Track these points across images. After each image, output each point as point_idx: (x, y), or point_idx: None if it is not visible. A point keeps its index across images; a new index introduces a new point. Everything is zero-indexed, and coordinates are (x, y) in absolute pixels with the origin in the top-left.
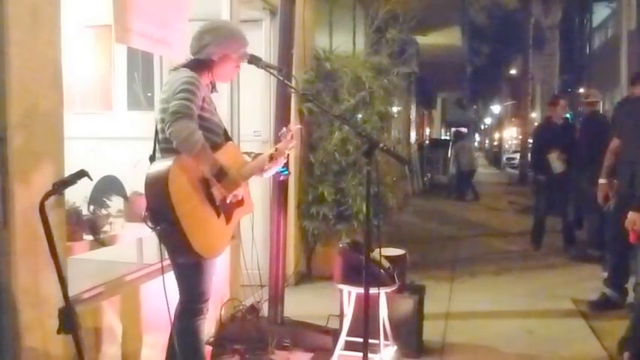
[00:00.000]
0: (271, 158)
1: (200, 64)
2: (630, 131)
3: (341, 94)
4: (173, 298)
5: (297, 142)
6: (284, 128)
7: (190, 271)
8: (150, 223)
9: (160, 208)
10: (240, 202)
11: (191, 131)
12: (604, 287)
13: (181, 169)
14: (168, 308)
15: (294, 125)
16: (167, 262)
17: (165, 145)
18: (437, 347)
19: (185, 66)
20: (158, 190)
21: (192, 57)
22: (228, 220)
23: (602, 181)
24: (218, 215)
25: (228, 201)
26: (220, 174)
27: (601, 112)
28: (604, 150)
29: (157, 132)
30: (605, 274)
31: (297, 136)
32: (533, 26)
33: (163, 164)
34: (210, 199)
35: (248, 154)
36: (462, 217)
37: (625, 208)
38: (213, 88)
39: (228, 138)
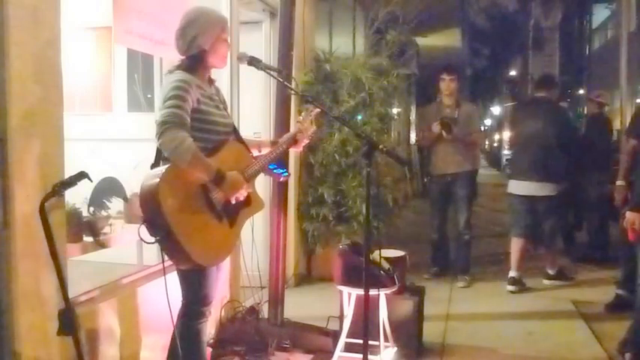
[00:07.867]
0: (295, 141)
1: (193, 61)
2: None
3: (341, 96)
4: (176, 299)
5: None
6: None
7: (194, 276)
8: (147, 233)
9: (154, 220)
10: (246, 202)
11: (180, 141)
12: (617, 289)
13: (172, 179)
14: (170, 311)
15: (313, 111)
16: (169, 263)
17: None
18: (437, 349)
19: (178, 67)
20: (150, 201)
21: (184, 57)
22: (232, 223)
23: (619, 183)
24: (220, 220)
25: (233, 202)
26: (217, 178)
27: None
28: (605, 151)
29: None
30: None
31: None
32: (533, 27)
33: (154, 175)
34: (210, 204)
35: (257, 139)
36: None
37: None
38: (211, 83)
39: (238, 135)
